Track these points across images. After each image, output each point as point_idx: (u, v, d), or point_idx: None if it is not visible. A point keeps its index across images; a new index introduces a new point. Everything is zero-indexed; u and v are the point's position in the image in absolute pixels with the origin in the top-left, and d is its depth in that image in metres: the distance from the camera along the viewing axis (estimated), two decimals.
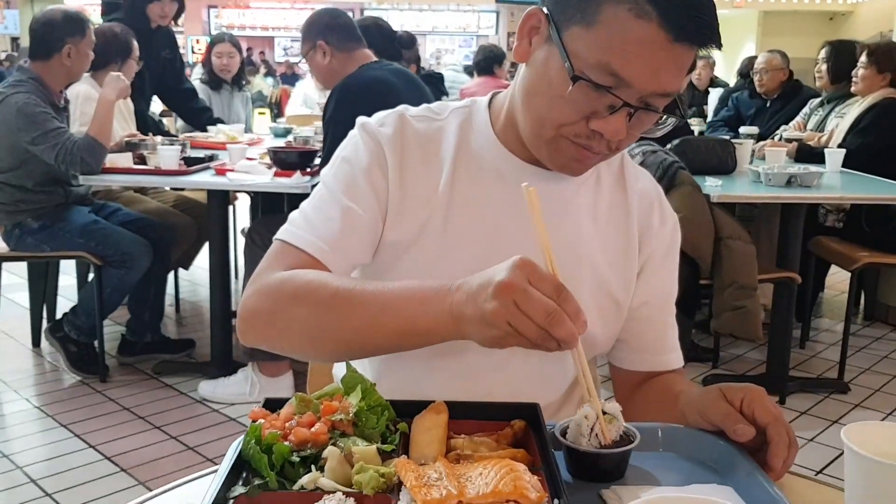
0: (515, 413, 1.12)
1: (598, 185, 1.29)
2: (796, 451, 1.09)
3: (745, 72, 7.37)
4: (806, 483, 1.13)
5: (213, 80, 5.41)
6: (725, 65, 11.66)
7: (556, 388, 1.40)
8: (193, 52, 19.96)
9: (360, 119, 1.25)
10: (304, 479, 0.94)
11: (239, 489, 0.92)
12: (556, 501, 0.89)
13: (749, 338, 3.99)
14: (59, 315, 4.60)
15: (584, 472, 1.08)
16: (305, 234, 1.14)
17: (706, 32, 1.01)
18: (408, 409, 1.11)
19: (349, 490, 0.92)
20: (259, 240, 3.89)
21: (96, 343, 4.25)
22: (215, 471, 0.97)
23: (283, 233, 1.18)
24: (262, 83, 12.33)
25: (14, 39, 22.38)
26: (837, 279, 5.76)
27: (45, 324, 4.66)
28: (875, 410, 3.93)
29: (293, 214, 1.21)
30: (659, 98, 1.05)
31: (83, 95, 4.33)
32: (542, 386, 1.36)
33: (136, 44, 4.56)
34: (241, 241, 4.78)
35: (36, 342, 4.68)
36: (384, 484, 0.93)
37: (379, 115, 1.24)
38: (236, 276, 5.36)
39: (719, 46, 1.01)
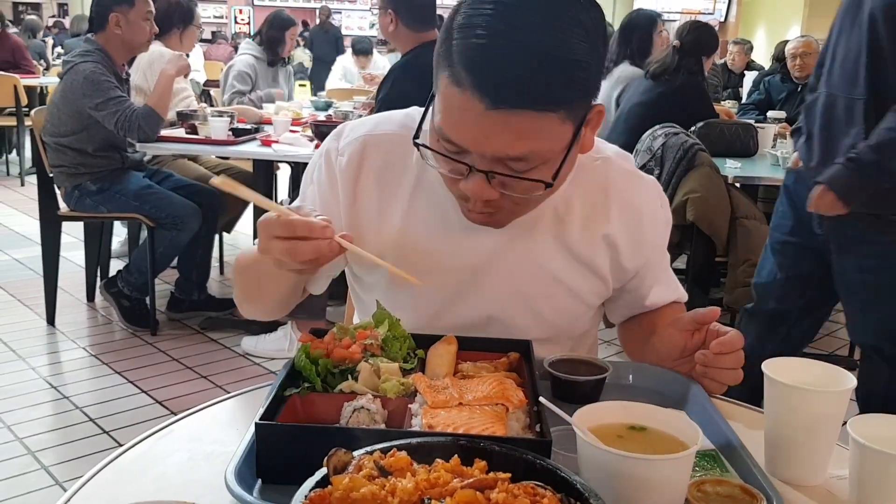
0: (512, 347, 1.37)
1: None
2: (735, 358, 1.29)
3: (780, 56, 7.44)
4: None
5: (273, 58, 5.52)
6: (768, 48, 11.64)
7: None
8: (236, 21, 20.32)
9: (328, 141, 1.31)
10: (343, 385, 1.20)
11: (293, 390, 1.19)
12: (535, 407, 1.14)
13: None
14: (111, 273, 4.95)
15: (565, 397, 1.34)
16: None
17: (530, 94, 0.96)
18: (425, 341, 1.37)
19: (377, 394, 1.18)
20: None
21: (147, 299, 4.58)
22: (271, 383, 1.24)
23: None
24: (302, 55, 12.57)
25: (61, 6, 22.94)
26: None
27: (98, 281, 5.01)
28: None
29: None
30: (514, 161, 1.02)
31: (155, 53, 4.57)
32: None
33: (198, 11, 4.82)
34: None
35: (90, 297, 5.04)
36: (404, 391, 1.19)
37: (345, 141, 1.27)
38: None
39: (563, 104, 0.98)
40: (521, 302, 1.35)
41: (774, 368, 1.17)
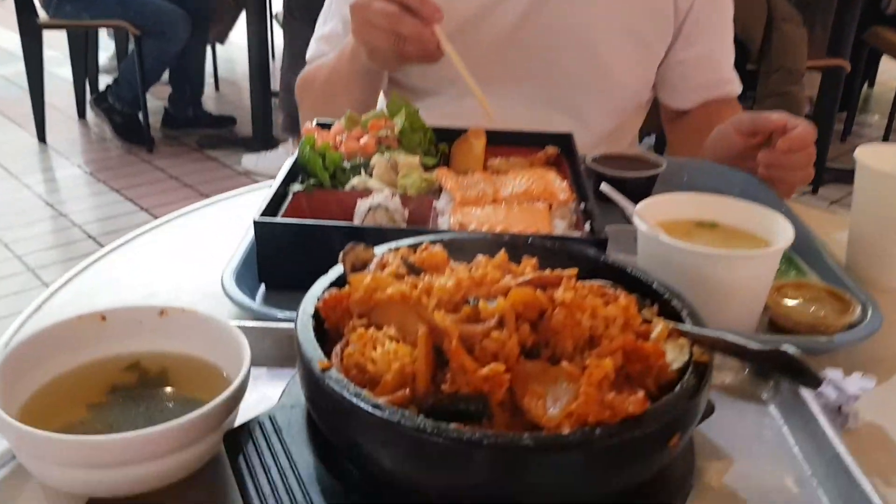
0: (549, 141, 1.18)
1: None
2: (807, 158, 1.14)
3: None
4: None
5: None
6: None
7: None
8: None
9: None
10: (355, 181, 1.02)
11: (297, 186, 1.01)
12: (582, 203, 0.97)
13: None
14: (101, 89, 4.68)
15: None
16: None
17: None
18: (447, 136, 1.18)
19: (395, 191, 1.01)
20: (298, 14, 3.84)
21: (140, 115, 4.35)
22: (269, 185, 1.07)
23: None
24: None
25: None
26: (890, 76, 5.57)
27: (88, 96, 4.75)
28: None
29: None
30: None
31: None
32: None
33: None
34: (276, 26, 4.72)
35: (81, 114, 4.79)
36: (427, 188, 1.02)
37: None
38: (273, 56, 5.32)
39: None
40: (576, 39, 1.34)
41: (866, 155, 0.98)
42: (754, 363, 0.75)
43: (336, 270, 0.68)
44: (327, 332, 0.62)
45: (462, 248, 0.72)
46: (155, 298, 0.92)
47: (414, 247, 0.71)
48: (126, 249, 1.07)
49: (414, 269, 0.65)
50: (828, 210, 1.19)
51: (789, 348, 0.56)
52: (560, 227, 0.93)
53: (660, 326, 0.61)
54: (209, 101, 5.19)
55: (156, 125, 4.56)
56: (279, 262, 0.89)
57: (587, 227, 0.93)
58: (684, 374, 0.57)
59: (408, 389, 0.55)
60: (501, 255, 0.67)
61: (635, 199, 1.14)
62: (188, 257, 1.05)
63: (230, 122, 4.67)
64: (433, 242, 0.70)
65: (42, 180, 4.04)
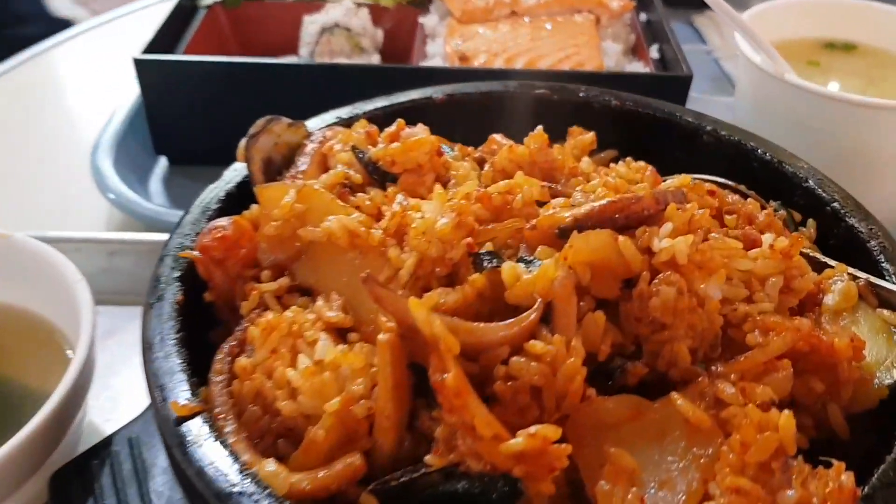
0: None
1: None
2: None
3: None
4: None
5: None
6: None
7: None
8: None
9: None
10: None
11: None
12: (646, 16, 0.64)
13: None
14: None
15: None
16: None
17: None
18: None
19: (362, 0, 0.67)
20: None
21: None
22: None
23: None
24: None
25: None
26: None
27: None
28: None
29: None
30: None
31: None
32: None
33: None
34: None
35: None
36: None
37: None
38: None
39: None
40: None
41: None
42: None
43: (233, 172, 0.38)
44: (213, 307, 0.34)
45: (466, 111, 0.42)
46: None
47: (380, 116, 0.41)
48: None
49: (377, 174, 0.35)
50: None
51: None
52: (612, 54, 0.61)
53: (842, 284, 0.32)
54: None
55: None
56: (181, 124, 0.58)
57: (653, 52, 0.61)
58: None
59: (358, 456, 0.27)
60: (539, 134, 0.37)
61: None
62: (42, 116, 0.72)
63: None
64: (409, 111, 0.40)
65: None
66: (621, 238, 0.29)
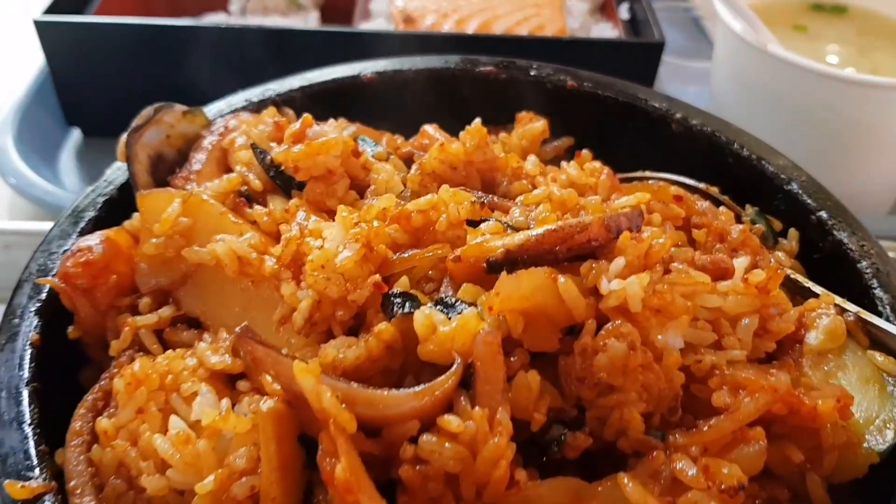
0: None
1: None
2: None
3: None
4: None
5: None
6: None
7: None
8: None
9: None
10: None
11: None
12: None
13: None
14: None
15: None
16: None
17: None
18: None
19: None
20: None
21: None
22: None
23: None
24: None
25: None
26: None
27: None
28: None
29: None
30: None
31: None
32: None
33: None
34: None
35: None
36: None
37: None
38: None
39: None
40: None
41: None
42: None
43: (118, 173, 0.32)
44: (81, 343, 0.28)
45: (399, 88, 0.36)
46: None
47: (299, 98, 0.35)
48: None
49: (279, 179, 0.29)
50: None
51: None
52: (578, 14, 0.55)
53: (828, 320, 0.27)
54: None
55: None
56: (95, 91, 0.52)
57: (622, 12, 0.55)
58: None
59: None
60: (476, 128, 0.31)
61: None
62: None
63: None
64: (343, 87, 0.34)
65: None
66: (562, 279, 0.23)
